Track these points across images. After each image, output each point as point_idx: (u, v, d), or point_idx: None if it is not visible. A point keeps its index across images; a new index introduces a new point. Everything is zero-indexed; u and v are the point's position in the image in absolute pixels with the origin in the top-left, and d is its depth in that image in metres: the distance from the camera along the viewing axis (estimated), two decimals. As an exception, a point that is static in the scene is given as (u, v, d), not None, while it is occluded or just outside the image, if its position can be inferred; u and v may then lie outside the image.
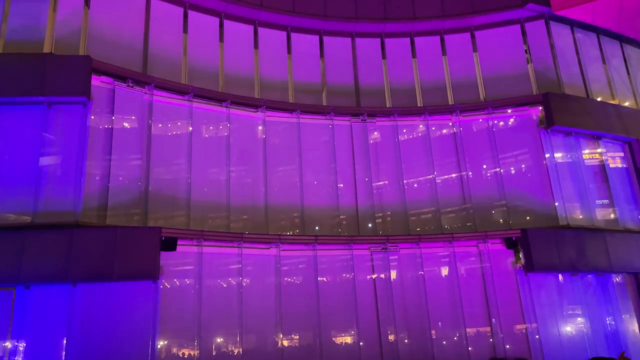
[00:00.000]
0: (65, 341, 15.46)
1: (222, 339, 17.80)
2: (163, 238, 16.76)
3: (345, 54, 23.34)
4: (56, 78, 16.72)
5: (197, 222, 18.60)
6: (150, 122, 18.79)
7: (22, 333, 15.48)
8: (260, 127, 20.97)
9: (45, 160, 16.75)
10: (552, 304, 20.22)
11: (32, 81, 16.63)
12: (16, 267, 15.13)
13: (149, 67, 19.43)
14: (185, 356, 17.02)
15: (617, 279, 21.77)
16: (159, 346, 16.54)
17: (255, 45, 22.22)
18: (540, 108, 22.14)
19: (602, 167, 22.78)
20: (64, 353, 15.38)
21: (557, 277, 20.68)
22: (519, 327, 19.94)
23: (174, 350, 17.10)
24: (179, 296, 17.65)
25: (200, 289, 17.65)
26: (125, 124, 18.42)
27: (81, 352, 15.55)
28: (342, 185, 21.25)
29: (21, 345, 15.41)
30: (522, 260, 20.15)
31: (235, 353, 17.67)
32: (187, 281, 17.90)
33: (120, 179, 17.68)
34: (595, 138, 22.99)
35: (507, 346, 19.51)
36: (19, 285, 15.62)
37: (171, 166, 18.99)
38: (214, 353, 17.48)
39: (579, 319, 20.34)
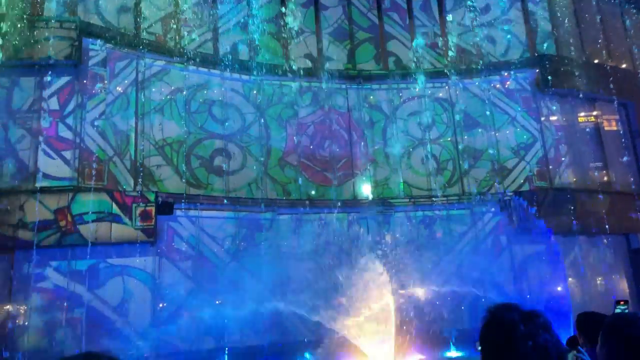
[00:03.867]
0: (66, 303, 15.67)
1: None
2: (160, 201, 16.82)
3: (339, 21, 22.91)
4: (46, 41, 16.41)
5: (194, 185, 18.64)
6: (143, 86, 18.58)
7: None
8: (254, 92, 20.77)
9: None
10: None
11: (21, 44, 16.31)
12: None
13: (142, 30, 19.08)
14: (185, 318, 17.26)
15: (605, 240, 22.04)
16: (158, 308, 16.77)
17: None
18: (537, 70, 22.02)
19: (597, 130, 22.80)
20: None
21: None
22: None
23: (173, 314, 17.30)
24: (176, 261, 17.79)
25: (197, 254, 17.77)
26: (118, 88, 18.19)
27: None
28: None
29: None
30: (516, 223, 20.34)
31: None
32: (183, 246, 17.99)
33: (115, 143, 17.59)
34: (591, 100, 22.94)
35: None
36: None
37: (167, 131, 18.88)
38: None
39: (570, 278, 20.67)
